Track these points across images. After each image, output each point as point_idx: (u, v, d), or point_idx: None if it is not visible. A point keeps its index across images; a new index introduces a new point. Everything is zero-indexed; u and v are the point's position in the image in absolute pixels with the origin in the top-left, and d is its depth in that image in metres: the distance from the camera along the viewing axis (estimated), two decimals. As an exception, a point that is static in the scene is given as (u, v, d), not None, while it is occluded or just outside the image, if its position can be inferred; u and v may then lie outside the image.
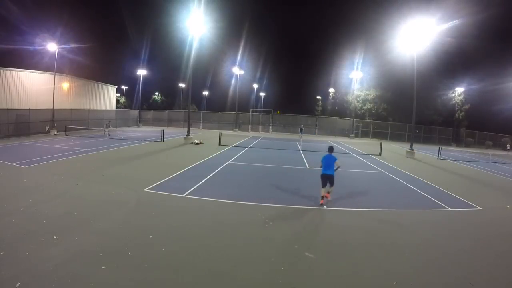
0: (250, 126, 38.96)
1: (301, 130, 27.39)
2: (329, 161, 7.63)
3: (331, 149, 8.08)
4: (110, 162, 11.96)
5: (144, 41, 61.81)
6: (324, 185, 7.47)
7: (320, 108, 61.36)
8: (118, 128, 31.36)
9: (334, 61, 47.21)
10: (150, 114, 42.43)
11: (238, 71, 42.65)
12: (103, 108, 32.77)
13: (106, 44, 69.09)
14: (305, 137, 27.51)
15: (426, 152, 22.75)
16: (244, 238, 5.29)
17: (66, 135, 22.10)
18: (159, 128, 26.81)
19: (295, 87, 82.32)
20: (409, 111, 22.79)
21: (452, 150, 27.87)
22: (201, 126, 38.94)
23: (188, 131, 21.66)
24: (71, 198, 7.00)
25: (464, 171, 14.98)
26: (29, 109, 21.53)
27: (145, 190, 7.87)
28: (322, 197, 7.42)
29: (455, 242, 5.56)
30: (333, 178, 7.50)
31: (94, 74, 39.86)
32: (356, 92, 39.23)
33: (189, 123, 22.50)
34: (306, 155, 16.63)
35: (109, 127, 23.09)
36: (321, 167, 7.70)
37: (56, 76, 24.20)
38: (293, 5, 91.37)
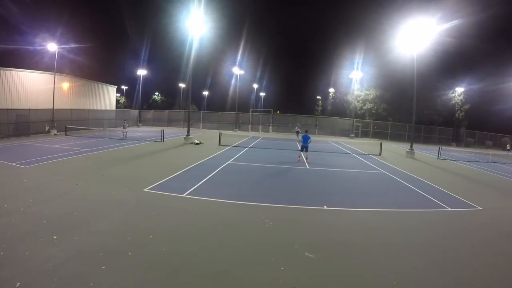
0: (250, 126, 38.94)
1: (297, 132, 27.87)
2: (306, 138, 13.89)
3: (306, 131, 15.04)
4: (110, 162, 11.96)
5: (144, 41, 61.81)
6: (301, 150, 13.96)
7: (320, 108, 61.38)
8: (118, 128, 31.36)
9: (334, 61, 47.30)
10: (150, 114, 42.43)
11: (238, 71, 42.64)
12: (103, 108, 32.78)
13: (106, 44, 69.17)
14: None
15: (426, 152, 22.74)
16: (244, 238, 5.29)
17: (66, 135, 22.10)
18: (159, 128, 26.80)
19: (295, 87, 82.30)
20: (409, 111, 22.81)
21: (452, 150, 27.86)
22: (201, 126, 38.93)
23: (188, 131, 21.66)
24: (71, 198, 6.99)
25: (464, 171, 14.98)
26: (29, 109, 21.54)
27: (145, 190, 7.87)
28: (299, 157, 14.08)
29: (455, 242, 5.56)
30: (308, 147, 13.88)
31: (94, 74, 39.95)
32: (356, 92, 39.22)
33: (189, 123, 22.50)
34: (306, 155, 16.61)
35: (126, 127, 22.39)
36: (301, 141, 14.06)
37: (56, 76, 24.20)
38: (293, 5, 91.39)
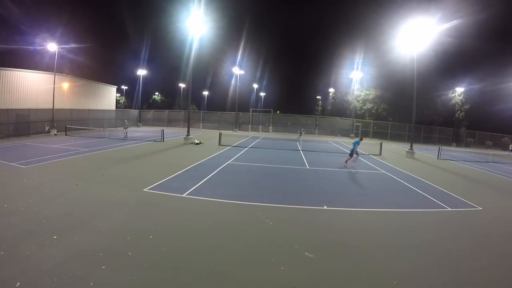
0: (250, 126, 38.94)
1: (300, 133, 28.08)
2: (355, 144, 13.63)
3: (361, 139, 14.53)
4: (110, 162, 11.96)
5: (144, 41, 61.68)
6: (350, 156, 13.63)
7: (320, 108, 61.35)
8: (118, 128, 31.38)
9: (334, 61, 47.25)
10: (150, 114, 42.43)
11: (238, 71, 42.64)
12: (103, 108, 32.78)
13: (106, 44, 68.98)
14: (305, 137, 27.64)
15: (426, 152, 22.74)
16: (244, 238, 5.29)
17: (66, 135, 22.10)
18: (159, 128, 26.80)
19: (295, 87, 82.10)
20: (409, 111, 22.78)
21: (452, 150, 27.86)
22: (201, 126, 38.93)
23: (188, 131, 21.67)
24: (71, 198, 7.00)
25: (464, 171, 14.97)
26: (29, 109, 21.55)
27: (145, 190, 7.87)
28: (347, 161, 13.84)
29: (455, 242, 5.56)
30: (352, 152, 13.56)
31: (94, 74, 39.92)
32: (356, 92, 39.23)
33: (189, 123, 22.50)
34: (306, 155, 16.62)
35: (127, 127, 22.26)
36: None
37: (56, 76, 24.21)
38: (293, 5, 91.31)
